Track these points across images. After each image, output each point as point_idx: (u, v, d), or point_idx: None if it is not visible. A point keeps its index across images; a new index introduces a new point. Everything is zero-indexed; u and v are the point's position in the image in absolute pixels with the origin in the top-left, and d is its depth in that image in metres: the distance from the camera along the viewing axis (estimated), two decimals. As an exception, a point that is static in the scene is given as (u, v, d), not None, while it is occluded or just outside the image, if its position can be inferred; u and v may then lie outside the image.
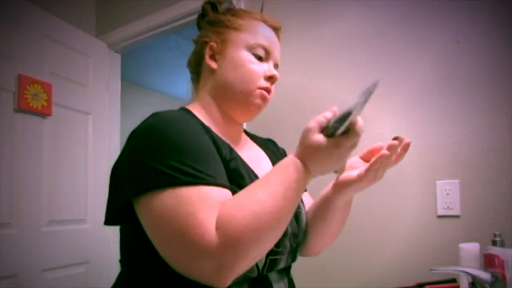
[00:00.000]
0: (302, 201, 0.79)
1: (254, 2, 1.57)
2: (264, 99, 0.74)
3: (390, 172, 1.31)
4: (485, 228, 1.17)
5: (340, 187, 0.70)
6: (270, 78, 0.74)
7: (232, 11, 0.78)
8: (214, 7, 0.80)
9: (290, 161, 0.59)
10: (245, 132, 0.88)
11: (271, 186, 0.55)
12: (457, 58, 1.27)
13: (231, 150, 0.69)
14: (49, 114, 1.91)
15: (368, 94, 0.50)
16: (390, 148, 0.59)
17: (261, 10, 0.81)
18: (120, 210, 0.59)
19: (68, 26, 2.11)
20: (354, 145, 0.58)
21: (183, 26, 2.13)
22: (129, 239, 0.66)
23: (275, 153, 0.88)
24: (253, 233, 0.51)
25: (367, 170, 0.62)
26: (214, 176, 0.56)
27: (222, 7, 0.80)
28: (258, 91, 0.73)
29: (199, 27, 0.83)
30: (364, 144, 0.71)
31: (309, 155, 0.58)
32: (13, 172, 1.73)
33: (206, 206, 0.52)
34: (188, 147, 0.57)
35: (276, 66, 0.77)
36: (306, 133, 0.58)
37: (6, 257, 1.66)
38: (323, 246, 0.83)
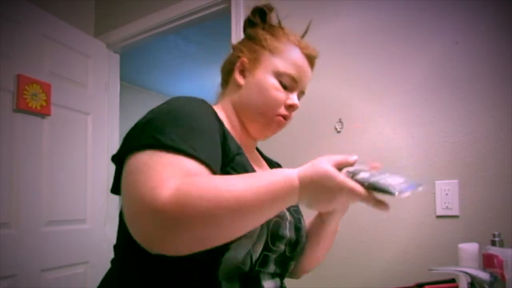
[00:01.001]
0: (302, 218, 0.79)
1: (254, 3, 1.57)
2: (280, 125, 0.77)
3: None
4: (484, 228, 1.17)
5: (324, 214, 0.76)
6: (290, 107, 0.76)
7: (272, 30, 0.78)
8: (263, 17, 0.80)
9: (289, 172, 0.55)
10: (257, 149, 0.89)
11: (251, 178, 0.54)
12: (457, 58, 1.28)
13: (239, 147, 0.69)
14: (48, 114, 1.90)
15: (410, 189, 0.51)
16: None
17: (303, 36, 0.81)
18: (119, 178, 0.58)
19: (67, 26, 2.10)
20: (350, 201, 0.57)
21: (182, 26, 2.13)
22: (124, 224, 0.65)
23: None
24: (205, 203, 0.49)
25: None
26: (198, 151, 0.55)
27: (271, 15, 0.80)
28: (277, 117, 0.75)
29: (245, 33, 0.83)
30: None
31: (309, 180, 0.54)
32: (12, 172, 1.73)
33: (172, 170, 0.52)
34: (189, 122, 0.58)
35: (302, 93, 0.79)
36: (324, 158, 0.56)
37: (5, 257, 1.66)
38: (311, 267, 0.85)
